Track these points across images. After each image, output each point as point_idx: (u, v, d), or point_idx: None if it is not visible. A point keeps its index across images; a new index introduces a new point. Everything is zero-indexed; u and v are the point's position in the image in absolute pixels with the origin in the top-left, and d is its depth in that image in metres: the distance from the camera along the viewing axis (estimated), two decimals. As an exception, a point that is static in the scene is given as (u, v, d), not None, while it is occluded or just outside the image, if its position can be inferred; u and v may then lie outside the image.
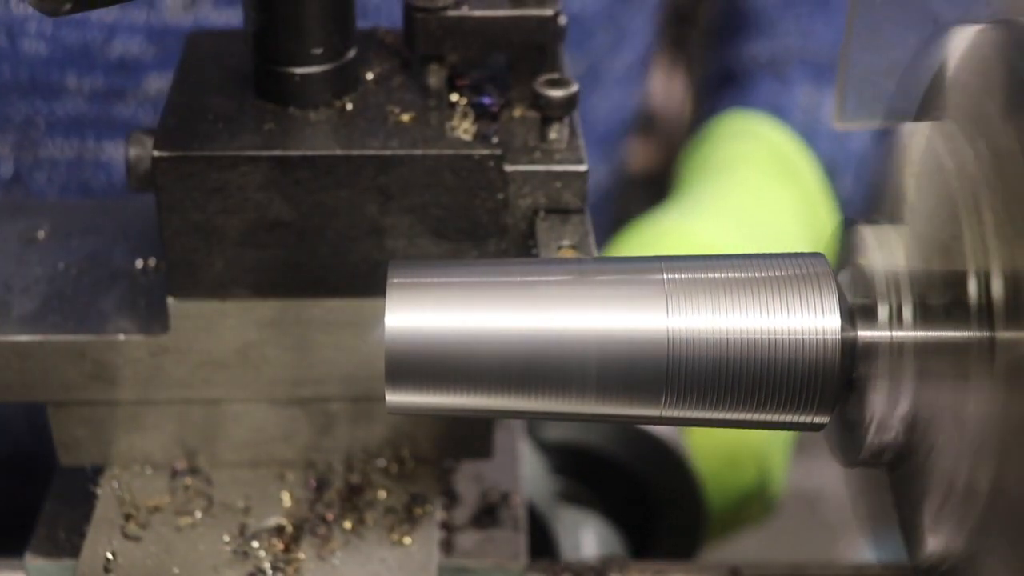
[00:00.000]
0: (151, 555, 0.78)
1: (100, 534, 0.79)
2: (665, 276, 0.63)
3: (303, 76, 0.75)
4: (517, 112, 0.78)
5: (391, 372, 0.62)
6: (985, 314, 0.56)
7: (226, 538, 0.79)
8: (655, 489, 1.05)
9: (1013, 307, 0.54)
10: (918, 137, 0.63)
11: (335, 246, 0.75)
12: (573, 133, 0.76)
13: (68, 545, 0.81)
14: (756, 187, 1.16)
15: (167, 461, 0.83)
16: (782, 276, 0.63)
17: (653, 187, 1.44)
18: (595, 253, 0.74)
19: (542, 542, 0.95)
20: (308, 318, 0.77)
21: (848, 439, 0.65)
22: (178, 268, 0.75)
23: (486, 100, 0.77)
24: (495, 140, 0.75)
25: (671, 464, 1.05)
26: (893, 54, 0.71)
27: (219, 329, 0.78)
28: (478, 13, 0.76)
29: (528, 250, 0.75)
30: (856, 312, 0.63)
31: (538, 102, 0.74)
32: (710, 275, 0.63)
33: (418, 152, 0.73)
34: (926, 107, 0.64)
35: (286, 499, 0.82)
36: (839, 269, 0.66)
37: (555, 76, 0.75)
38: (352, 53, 0.76)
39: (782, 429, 0.65)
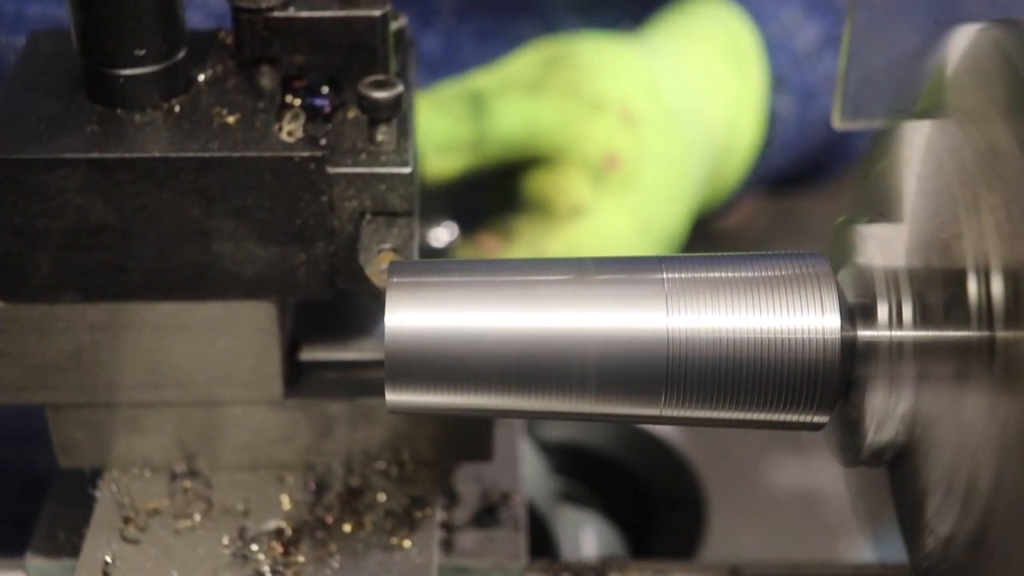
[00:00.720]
0: (150, 558, 0.78)
1: (99, 537, 0.79)
2: (665, 275, 0.63)
3: (128, 77, 0.74)
4: (351, 114, 0.77)
5: (391, 371, 0.62)
6: (985, 314, 0.55)
7: (225, 541, 0.79)
8: (655, 489, 1.05)
9: (1013, 307, 0.54)
10: (918, 136, 0.63)
11: (161, 249, 0.74)
12: (403, 135, 0.75)
13: (68, 545, 0.81)
14: (702, 56, 1.17)
15: (166, 464, 0.83)
16: (782, 276, 0.63)
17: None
18: (416, 256, 0.74)
19: (542, 542, 0.95)
20: (140, 322, 0.77)
21: (848, 439, 0.65)
22: (4, 271, 0.75)
23: (318, 102, 0.77)
24: (323, 142, 0.74)
25: (671, 464, 1.05)
26: (893, 54, 0.71)
27: (50, 333, 0.77)
28: (304, 14, 0.76)
29: (355, 253, 0.74)
30: (856, 312, 0.63)
31: (363, 104, 0.74)
32: (710, 274, 0.63)
33: (237, 154, 0.72)
34: (926, 106, 0.64)
35: (285, 502, 0.82)
36: (839, 269, 0.66)
37: (380, 78, 0.74)
38: (182, 54, 0.75)
39: (782, 428, 0.65)
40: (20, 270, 0.74)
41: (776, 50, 1.17)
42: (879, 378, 0.62)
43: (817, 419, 0.64)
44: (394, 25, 0.79)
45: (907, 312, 0.61)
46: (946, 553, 0.59)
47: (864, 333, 0.63)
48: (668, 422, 0.65)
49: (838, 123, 0.76)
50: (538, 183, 1.08)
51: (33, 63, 0.79)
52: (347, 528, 0.80)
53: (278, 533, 0.80)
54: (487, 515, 0.85)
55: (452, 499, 0.86)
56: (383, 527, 0.81)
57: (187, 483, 0.83)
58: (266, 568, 0.77)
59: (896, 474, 0.65)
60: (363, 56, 0.77)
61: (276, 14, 0.75)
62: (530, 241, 1.06)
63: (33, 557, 0.81)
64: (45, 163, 0.71)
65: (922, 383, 0.61)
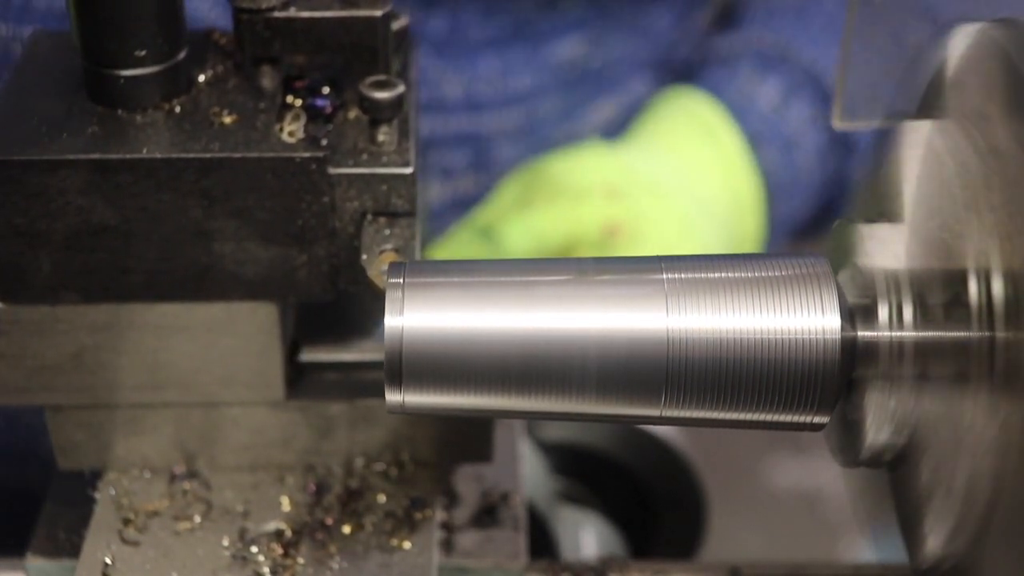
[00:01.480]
0: (150, 560, 0.78)
1: (98, 538, 0.79)
2: (665, 276, 0.63)
3: (128, 78, 0.74)
4: (352, 114, 0.77)
5: (390, 372, 0.62)
6: (985, 314, 0.55)
7: (225, 542, 0.79)
8: (655, 489, 1.05)
9: (1013, 307, 0.54)
10: (918, 136, 0.63)
11: (162, 250, 0.74)
12: (404, 135, 0.75)
13: (68, 545, 0.81)
14: (672, 140, 1.23)
15: (166, 465, 0.83)
16: (782, 276, 0.63)
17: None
18: (419, 257, 0.74)
19: (542, 542, 0.95)
20: (141, 323, 0.77)
21: (848, 439, 0.65)
22: (5, 272, 0.75)
23: (319, 102, 0.76)
24: (324, 142, 0.74)
25: (671, 464, 1.05)
26: (893, 54, 0.71)
27: (51, 334, 0.77)
28: (305, 14, 0.76)
29: (357, 254, 0.74)
30: (856, 312, 0.63)
31: (363, 104, 0.74)
32: (710, 275, 0.63)
33: (238, 155, 0.72)
34: (926, 106, 0.64)
35: (285, 503, 0.82)
36: (839, 269, 0.66)
37: (381, 78, 0.74)
38: (182, 55, 0.75)
39: (782, 429, 0.65)
40: (21, 271, 0.74)
41: (742, 113, 1.23)
42: (879, 379, 0.62)
43: (817, 420, 0.64)
44: (395, 25, 0.78)
45: (907, 313, 0.61)
46: (946, 553, 0.59)
47: (864, 334, 0.63)
48: (668, 422, 0.65)
49: (838, 123, 0.76)
50: None
51: (34, 64, 0.79)
52: (347, 529, 0.80)
53: (278, 534, 0.80)
54: (487, 515, 0.85)
55: (452, 499, 0.86)
56: (383, 528, 0.80)
57: (187, 484, 0.83)
58: (266, 569, 0.77)
59: (896, 475, 0.65)
60: (364, 56, 0.77)
61: (277, 14, 0.75)
62: None
63: (33, 557, 0.81)
64: (46, 164, 0.71)
65: (922, 384, 0.61)
